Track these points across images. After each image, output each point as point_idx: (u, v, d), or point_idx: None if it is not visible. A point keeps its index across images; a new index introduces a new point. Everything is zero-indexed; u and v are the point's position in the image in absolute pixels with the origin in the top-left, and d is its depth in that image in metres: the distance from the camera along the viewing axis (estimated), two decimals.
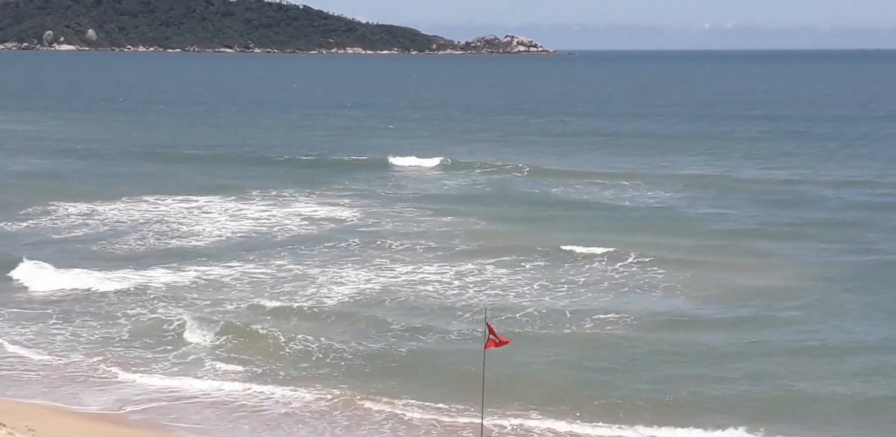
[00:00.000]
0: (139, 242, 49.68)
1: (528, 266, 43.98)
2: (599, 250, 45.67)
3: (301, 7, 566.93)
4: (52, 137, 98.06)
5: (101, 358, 32.67)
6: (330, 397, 29.28)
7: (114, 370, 31.72)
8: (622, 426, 27.22)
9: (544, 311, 37.15)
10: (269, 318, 36.47)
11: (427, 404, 28.71)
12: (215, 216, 56.13)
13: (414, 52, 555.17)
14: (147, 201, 60.46)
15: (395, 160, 78.09)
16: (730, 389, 29.54)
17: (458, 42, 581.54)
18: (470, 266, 43.96)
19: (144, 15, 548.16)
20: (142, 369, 31.81)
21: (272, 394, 29.66)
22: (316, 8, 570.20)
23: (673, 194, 63.31)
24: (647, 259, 44.35)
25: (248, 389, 30.04)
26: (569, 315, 36.56)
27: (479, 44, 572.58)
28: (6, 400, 28.75)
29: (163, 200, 60.77)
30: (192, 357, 32.70)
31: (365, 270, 43.51)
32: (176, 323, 35.35)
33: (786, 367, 31.21)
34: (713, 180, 68.48)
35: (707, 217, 55.68)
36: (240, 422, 27.87)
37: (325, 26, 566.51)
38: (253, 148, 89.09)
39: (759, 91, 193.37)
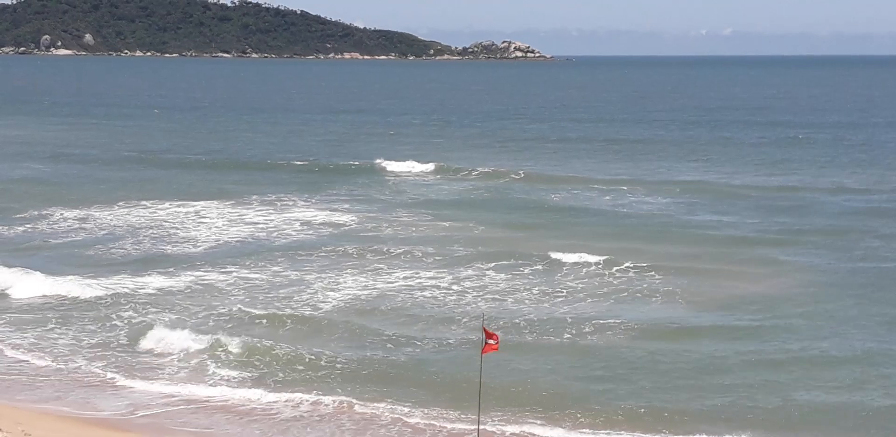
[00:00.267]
0: (135, 247, 49.51)
1: (526, 272, 43.86)
2: (598, 257, 45.50)
3: (298, 12, 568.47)
4: (49, 142, 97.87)
5: (100, 364, 32.54)
6: (334, 402, 29.11)
7: (114, 375, 31.57)
8: (620, 433, 27.05)
9: (543, 317, 37.01)
10: (265, 323, 36.30)
11: (425, 409, 28.59)
12: (213, 221, 55.95)
13: (411, 58, 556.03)
14: (144, 206, 60.29)
15: (394, 165, 77.95)
16: (729, 398, 29.32)
17: (456, 47, 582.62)
18: (468, 272, 43.84)
19: (142, 20, 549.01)
20: (143, 374, 31.68)
21: (277, 399, 29.50)
22: (313, 13, 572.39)
23: (672, 200, 63.16)
24: (645, 266, 44.20)
25: (253, 394, 29.88)
26: (568, 322, 36.38)
27: (476, 49, 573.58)
28: (1, 405, 28.58)
29: (160, 206, 60.59)
30: (191, 363, 32.54)
31: (363, 275, 43.38)
32: (170, 329, 35.13)
33: (786, 376, 30.99)
34: (712, 187, 68.35)
35: (706, 224, 55.51)
36: (250, 426, 27.78)
37: (322, 31, 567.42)
38: (251, 153, 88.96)
39: (758, 97, 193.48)
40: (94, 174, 75.32)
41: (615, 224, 55.43)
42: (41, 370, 32.09)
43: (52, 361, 32.87)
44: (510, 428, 27.30)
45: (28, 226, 54.48)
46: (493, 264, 44.91)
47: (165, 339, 34.12)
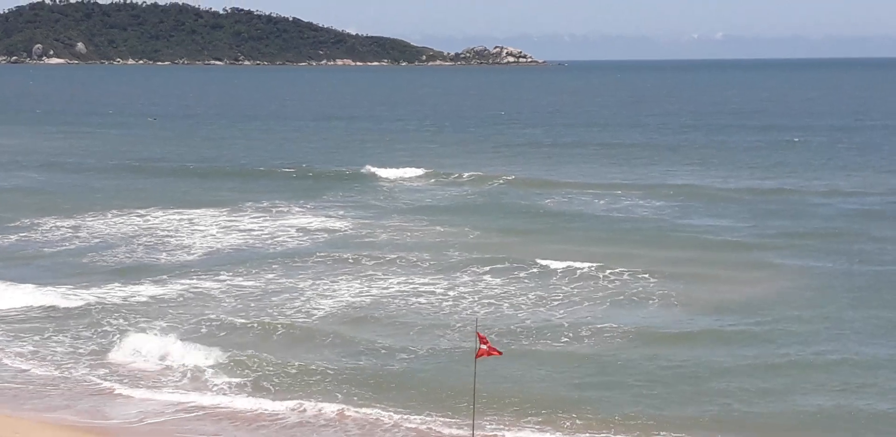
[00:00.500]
0: (128, 255, 49.36)
1: (521, 277, 43.79)
2: (593, 261, 45.45)
3: (291, 19, 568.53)
4: (42, 150, 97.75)
5: (100, 372, 32.44)
6: (335, 409, 29.00)
7: (113, 384, 31.49)
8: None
9: (538, 322, 36.93)
10: (261, 331, 36.17)
11: (421, 414, 28.52)
12: (207, 229, 55.83)
13: (404, 64, 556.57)
14: (138, 215, 60.14)
15: (388, 171, 77.87)
16: (726, 402, 29.20)
17: (448, 53, 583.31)
18: (463, 278, 43.77)
19: (133, 28, 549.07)
20: (143, 383, 31.58)
21: (279, 406, 29.38)
22: (305, 20, 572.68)
23: (666, 204, 63.11)
24: (640, 270, 44.09)
25: (253, 401, 29.79)
26: (563, 327, 36.28)
27: (468, 55, 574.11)
28: (1, 415, 28.48)
29: (153, 214, 60.46)
30: (188, 372, 32.37)
31: (358, 281, 43.28)
32: (164, 337, 34.98)
33: (783, 380, 30.83)
34: (706, 190, 68.28)
35: (701, 228, 55.44)
36: (258, 432, 27.80)
37: (314, 38, 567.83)
38: (245, 160, 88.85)
39: (752, 100, 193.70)
40: (87, 183, 75.17)
41: (610, 229, 55.34)
42: (43, 379, 31.98)
43: (54, 370, 32.76)
44: (506, 433, 27.18)
45: (21, 235, 54.32)
46: (487, 270, 44.82)
47: (161, 348, 33.93)
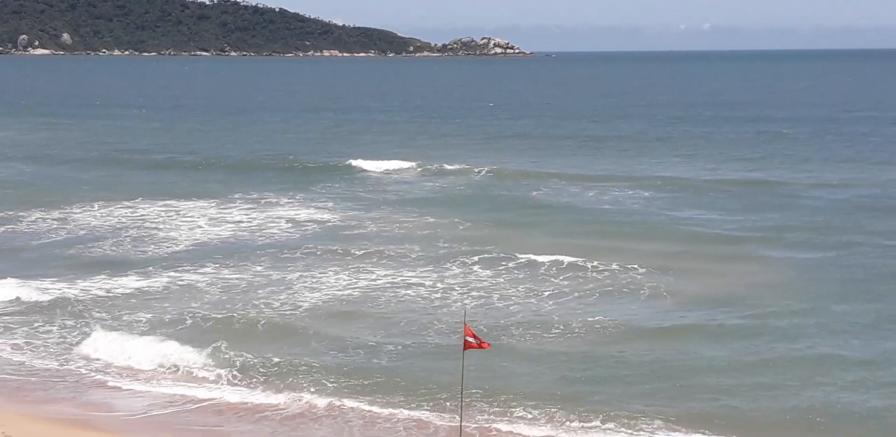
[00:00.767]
0: (115, 248, 49.12)
1: (510, 269, 43.69)
2: (582, 254, 45.37)
3: (277, 10, 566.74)
4: (28, 142, 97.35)
5: (88, 366, 32.37)
6: (331, 401, 29.06)
7: (103, 377, 31.46)
8: (605, 433, 26.88)
9: (528, 316, 36.86)
10: (252, 323, 36.02)
11: (407, 406, 28.52)
12: (195, 221, 55.63)
13: (391, 55, 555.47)
14: (125, 206, 59.85)
15: (377, 163, 77.66)
16: (715, 398, 29.05)
17: (435, 44, 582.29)
18: (453, 270, 43.69)
19: (119, 18, 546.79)
20: (134, 376, 31.51)
21: (276, 398, 29.40)
22: (292, 11, 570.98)
23: (656, 196, 63.01)
24: (629, 263, 44.00)
25: (247, 394, 29.76)
26: (553, 320, 36.20)
27: (455, 46, 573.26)
28: None
29: (141, 206, 60.21)
30: (172, 365, 32.22)
31: (347, 273, 43.19)
32: (148, 330, 35.03)
33: (774, 375, 30.66)
34: (696, 182, 68.17)
35: (690, 220, 55.35)
36: (261, 423, 27.83)
37: (301, 29, 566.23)
38: (233, 152, 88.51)
39: (740, 91, 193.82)
40: (74, 175, 74.81)
41: (599, 221, 55.24)
42: (33, 372, 31.92)
43: (43, 362, 32.69)
44: (494, 426, 27.17)
45: (7, 227, 54.05)
46: (476, 262, 44.75)
47: (146, 342, 33.78)
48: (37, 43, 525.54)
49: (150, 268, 44.23)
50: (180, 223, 54.93)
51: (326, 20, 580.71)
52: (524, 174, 72.45)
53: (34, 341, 34.79)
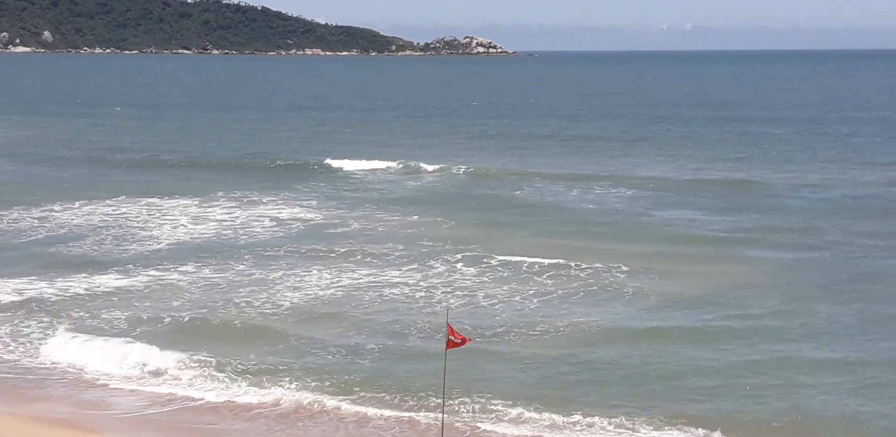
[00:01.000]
0: (95, 247, 48.81)
1: (494, 269, 43.59)
2: (565, 254, 45.38)
3: (259, 8, 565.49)
4: (7, 140, 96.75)
5: (73, 365, 32.21)
6: (323, 399, 29.04)
7: (89, 376, 31.40)
8: (587, 433, 26.84)
9: (511, 316, 36.75)
10: (231, 322, 35.94)
11: (388, 405, 28.49)
12: (177, 219, 55.38)
13: (373, 54, 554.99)
14: (106, 205, 59.56)
15: (360, 162, 77.50)
16: (698, 400, 28.90)
17: (418, 43, 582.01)
18: (435, 269, 43.58)
19: (101, 16, 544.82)
20: (121, 374, 31.37)
21: (258, 398, 29.32)
22: (274, 9, 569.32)
23: (639, 197, 62.99)
24: (613, 264, 43.92)
25: (229, 393, 29.65)
26: (536, 321, 36.12)
27: (438, 45, 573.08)
28: None
29: (123, 204, 59.92)
30: (152, 366, 31.94)
31: (329, 272, 43.08)
32: (127, 328, 34.95)
33: (759, 377, 30.51)
34: (678, 183, 68.16)
35: (673, 221, 55.33)
36: (255, 421, 27.83)
37: (283, 27, 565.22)
38: (216, 151, 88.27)
39: (723, 91, 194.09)
40: (55, 173, 74.42)
41: (582, 221, 55.19)
42: (15, 371, 31.72)
43: (24, 361, 32.50)
44: (477, 425, 27.21)
45: None
46: (461, 261, 44.65)
47: (126, 342, 33.57)
48: (18, 41, 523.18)
49: (131, 267, 44.02)
50: (162, 222, 54.68)
51: (309, 19, 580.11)
52: (508, 173, 72.39)
53: (17, 340, 34.49)
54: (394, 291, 40.22)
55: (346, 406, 28.56)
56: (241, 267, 44.13)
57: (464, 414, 27.70)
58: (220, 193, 63.48)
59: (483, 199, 62.37)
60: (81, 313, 37.09)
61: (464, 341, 23.61)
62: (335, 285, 41.15)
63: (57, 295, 39.52)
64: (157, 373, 31.37)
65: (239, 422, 27.91)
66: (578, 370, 31.10)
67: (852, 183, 67.27)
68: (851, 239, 49.62)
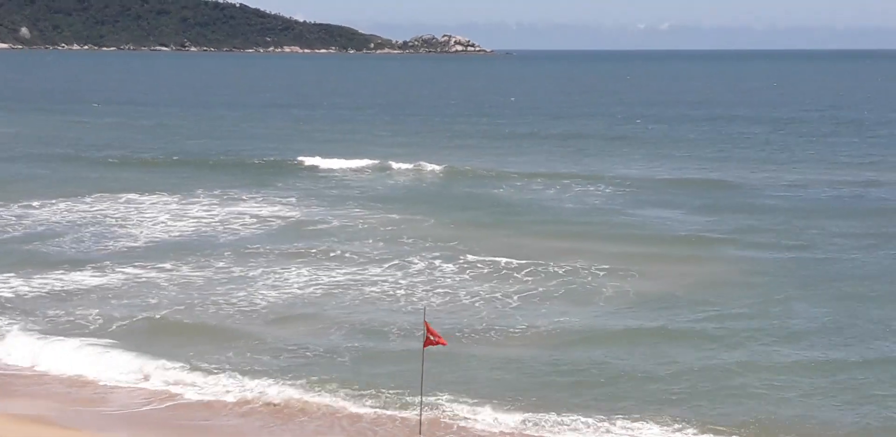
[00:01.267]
0: (73, 244, 48.58)
1: (474, 268, 43.58)
2: (546, 254, 45.45)
3: (238, 5, 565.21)
4: None
5: (61, 363, 32.04)
6: (295, 396, 29.00)
7: (75, 374, 31.25)
8: (567, 431, 26.88)
9: (490, 315, 36.73)
10: (212, 320, 35.89)
11: (367, 403, 28.46)
12: (156, 216, 55.19)
13: (352, 51, 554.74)
14: (85, 202, 59.34)
15: (341, 160, 77.47)
16: (679, 400, 28.86)
17: (396, 41, 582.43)
18: (415, 268, 43.56)
19: (79, 13, 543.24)
20: (107, 373, 31.19)
21: (251, 394, 29.28)
22: (252, 6, 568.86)
23: (617, 196, 63.11)
24: (593, 264, 43.94)
25: (214, 391, 29.59)
26: (516, 320, 36.14)
27: (416, 43, 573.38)
28: None
29: (102, 201, 59.72)
30: (135, 363, 31.77)
31: (309, 269, 43.02)
32: (103, 324, 34.90)
33: (737, 380, 30.40)
34: (656, 182, 68.30)
35: (653, 220, 55.36)
36: (250, 417, 27.89)
37: (261, 25, 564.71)
38: (195, 148, 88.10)
39: (700, 91, 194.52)
40: (32, 170, 74.04)
41: (563, 220, 55.28)
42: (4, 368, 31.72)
43: (3, 358, 32.45)
44: (457, 424, 27.27)
45: None
46: (441, 260, 44.62)
47: (104, 341, 33.48)
48: None
49: (109, 264, 43.86)
50: (142, 219, 54.51)
51: (287, 16, 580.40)
52: (487, 172, 72.42)
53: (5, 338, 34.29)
54: (374, 289, 40.18)
55: (341, 403, 28.52)
56: (221, 264, 44.06)
57: (440, 411, 27.71)
58: (200, 191, 63.34)
59: (463, 197, 62.39)
60: (58, 311, 36.90)
61: (438, 341, 23.58)
62: (315, 282, 41.08)
63: (33, 292, 39.36)
64: (137, 371, 31.21)
65: (233, 418, 27.92)
66: (557, 370, 31.09)
67: (830, 183, 67.51)
68: (829, 239, 49.79)
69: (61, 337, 33.86)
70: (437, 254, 45.64)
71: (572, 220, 55.29)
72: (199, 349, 32.64)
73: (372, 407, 28.17)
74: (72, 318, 36.06)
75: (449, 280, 41.57)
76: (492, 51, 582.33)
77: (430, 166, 74.38)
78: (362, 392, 28.95)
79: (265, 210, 57.04)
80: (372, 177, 72.48)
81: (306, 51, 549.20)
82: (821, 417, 27.71)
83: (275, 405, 28.56)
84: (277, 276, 42.04)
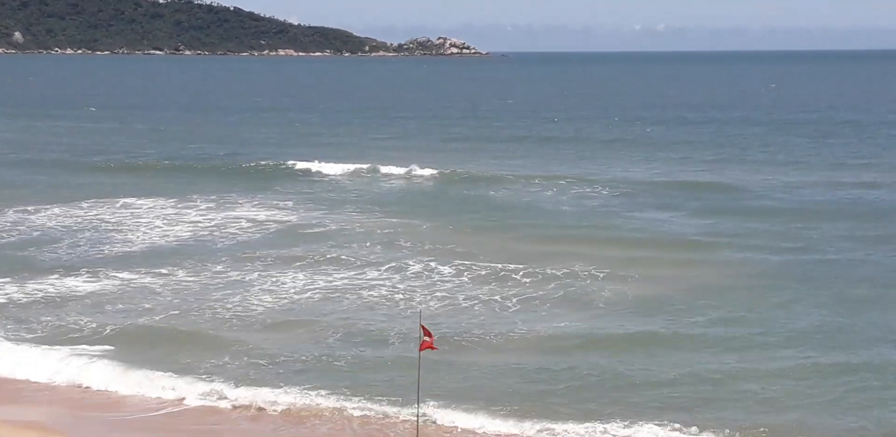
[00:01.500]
0: (69, 249, 48.36)
1: (472, 271, 43.36)
2: (543, 257, 45.25)
3: (232, 8, 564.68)
4: None
5: (67, 371, 31.73)
6: (296, 401, 28.87)
7: (75, 379, 31.11)
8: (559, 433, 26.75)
9: (487, 319, 36.56)
10: (206, 325, 35.71)
11: (364, 407, 28.33)
12: (152, 221, 55.01)
13: (347, 54, 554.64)
14: (81, 208, 59.10)
15: (337, 164, 77.22)
16: (677, 407, 28.53)
17: (391, 44, 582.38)
18: (414, 269, 43.42)
19: (72, 17, 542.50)
20: (109, 379, 30.97)
21: (253, 399, 29.13)
22: (247, 9, 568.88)
23: (615, 198, 62.96)
24: (591, 267, 43.63)
25: (211, 396, 29.43)
26: (513, 323, 35.95)
27: (412, 46, 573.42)
28: None
29: (98, 206, 59.48)
30: (130, 366, 31.57)
31: (306, 274, 42.84)
32: (97, 329, 34.71)
33: (733, 384, 30.15)
34: (654, 185, 68.14)
35: (649, 223, 55.19)
36: (261, 421, 27.82)
37: (256, 28, 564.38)
38: (191, 152, 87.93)
39: (698, 92, 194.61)
40: (27, 175, 73.80)
41: (560, 223, 55.08)
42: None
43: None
44: (457, 427, 27.21)
45: None
46: (438, 264, 44.40)
47: (99, 347, 33.26)
48: None
49: (104, 269, 43.62)
50: (137, 224, 54.30)
51: (282, 19, 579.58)
52: (484, 175, 72.26)
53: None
54: (371, 293, 40.01)
55: (349, 406, 28.41)
56: (218, 269, 43.86)
57: (437, 414, 27.62)
58: (196, 195, 63.10)
59: (460, 200, 62.25)
60: (52, 317, 36.66)
61: (429, 343, 23.55)
62: (312, 286, 40.92)
63: (27, 298, 39.14)
64: (134, 377, 30.98)
65: (245, 422, 27.85)
66: (556, 374, 30.88)
67: (829, 184, 67.38)
68: (829, 241, 49.63)
69: (56, 344, 33.64)
70: (435, 257, 45.46)
71: (570, 223, 55.13)
72: (195, 355, 32.49)
73: (369, 412, 28.04)
74: (66, 324, 35.87)
75: (447, 284, 41.42)
76: (487, 53, 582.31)
77: (426, 170, 74.15)
78: (359, 398, 28.78)
79: (262, 214, 56.85)
80: (368, 180, 72.33)
81: (301, 54, 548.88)
82: (821, 421, 27.53)
83: (272, 410, 28.41)
84: (274, 280, 41.87)
